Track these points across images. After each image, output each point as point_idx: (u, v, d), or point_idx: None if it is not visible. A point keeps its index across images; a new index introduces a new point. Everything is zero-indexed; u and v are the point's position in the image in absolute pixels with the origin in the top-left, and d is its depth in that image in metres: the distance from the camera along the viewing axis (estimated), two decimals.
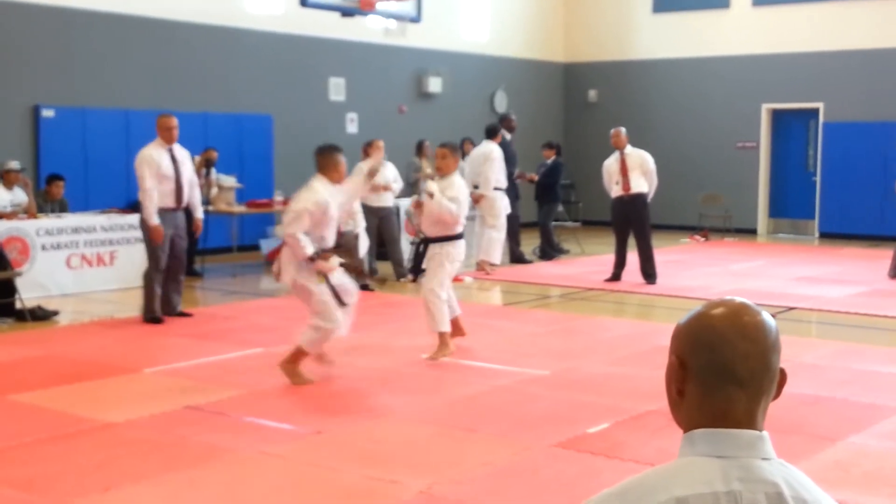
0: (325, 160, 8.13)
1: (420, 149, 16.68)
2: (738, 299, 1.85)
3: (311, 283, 7.92)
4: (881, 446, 6.45)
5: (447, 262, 8.85)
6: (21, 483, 5.64)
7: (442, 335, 8.78)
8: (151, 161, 10.33)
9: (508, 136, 15.76)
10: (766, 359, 1.80)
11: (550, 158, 16.73)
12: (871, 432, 6.73)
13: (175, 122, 10.65)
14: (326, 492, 5.59)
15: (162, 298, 10.67)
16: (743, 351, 1.78)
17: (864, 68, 19.81)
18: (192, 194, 10.80)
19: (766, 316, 1.83)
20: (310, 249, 7.77)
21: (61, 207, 12.92)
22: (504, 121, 16.01)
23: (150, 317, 10.48)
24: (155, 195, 10.30)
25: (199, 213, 11.06)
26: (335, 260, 8.06)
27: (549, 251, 16.57)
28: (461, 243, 8.94)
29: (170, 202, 10.49)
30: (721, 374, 1.78)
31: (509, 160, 15.35)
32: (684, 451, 1.79)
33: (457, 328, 9.17)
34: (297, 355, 7.97)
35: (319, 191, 7.95)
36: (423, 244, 9.10)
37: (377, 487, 5.59)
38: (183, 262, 10.98)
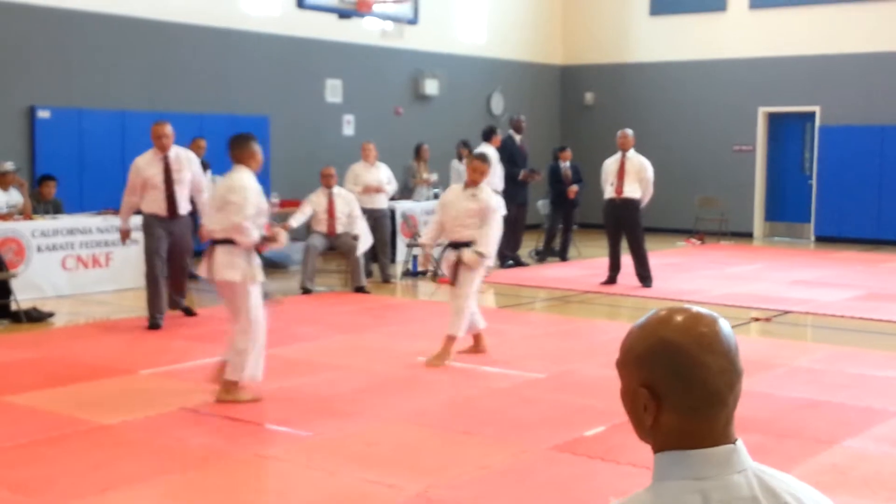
0: (242, 150, 7.57)
1: (418, 152, 16.67)
2: (686, 308, 1.78)
3: (249, 285, 7.39)
4: (878, 450, 6.45)
5: (482, 268, 8.79)
6: (17, 485, 5.63)
7: (451, 340, 8.72)
8: (137, 170, 10.38)
9: (518, 138, 15.75)
10: (737, 366, 1.74)
11: (567, 161, 16.74)
12: (867, 436, 6.73)
13: (165, 129, 10.47)
14: (323, 494, 5.58)
15: (168, 300, 10.70)
16: (718, 368, 1.71)
17: (860, 72, 19.84)
18: (200, 200, 10.62)
19: (721, 319, 1.77)
20: (256, 234, 7.38)
21: (55, 208, 12.91)
22: (513, 122, 16.02)
23: (152, 322, 10.38)
24: (128, 200, 10.50)
25: (204, 219, 10.81)
26: (283, 234, 7.69)
27: (562, 254, 16.68)
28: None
29: (159, 210, 10.40)
30: (701, 397, 1.71)
31: (518, 161, 15.42)
32: (661, 475, 1.73)
33: (478, 343, 9.12)
34: (230, 386, 7.46)
35: (250, 179, 7.49)
36: (451, 247, 8.83)
37: (374, 490, 5.58)
38: (184, 269, 10.87)
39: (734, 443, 1.73)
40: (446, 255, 8.91)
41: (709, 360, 1.70)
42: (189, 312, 10.94)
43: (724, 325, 1.76)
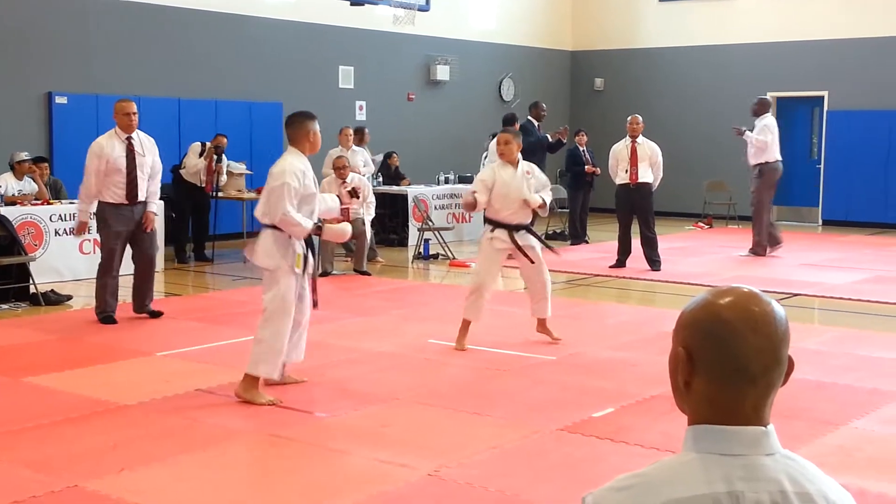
0: (297, 130, 7.09)
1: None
2: (746, 287, 1.81)
3: (283, 271, 7.04)
4: (884, 431, 6.53)
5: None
6: (36, 464, 5.72)
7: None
8: (101, 153, 9.51)
9: (537, 124, 15.73)
10: (778, 353, 1.77)
11: (583, 146, 16.87)
12: (874, 417, 6.81)
13: (133, 107, 9.70)
14: (337, 474, 5.67)
15: (133, 295, 10.08)
16: (755, 346, 1.74)
17: (869, 56, 19.84)
18: (151, 186, 9.82)
19: (776, 305, 1.79)
20: (308, 223, 6.99)
21: (54, 190, 12.86)
22: (532, 108, 16.02)
23: (102, 315, 9.75)
24: (91, 186, 9.55)
25: (151, 207, 9.86)
26: (345, 225, 7.61)
27: (581, 235, 16.81)
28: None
29: (119, 197, 9.57)
30: (732, 370, 1.74)
31: (535, 148, 15.37)
32: (687, 447, 1.76)
33: (543, 327, 9.18)
34: (249, 383, 7.07)
35: (294, 163, 6.99)
36: (513, 230, 8.77)
37: (387, 470, 5.67)
38: (151, 259, 10.05)
39: (766, 426, 1.76)
40: (502, 239, 8.81)
41: (748, 337, 1.73)
42: (154, 315, 10.05)
43: (779, 312, 1.78)
